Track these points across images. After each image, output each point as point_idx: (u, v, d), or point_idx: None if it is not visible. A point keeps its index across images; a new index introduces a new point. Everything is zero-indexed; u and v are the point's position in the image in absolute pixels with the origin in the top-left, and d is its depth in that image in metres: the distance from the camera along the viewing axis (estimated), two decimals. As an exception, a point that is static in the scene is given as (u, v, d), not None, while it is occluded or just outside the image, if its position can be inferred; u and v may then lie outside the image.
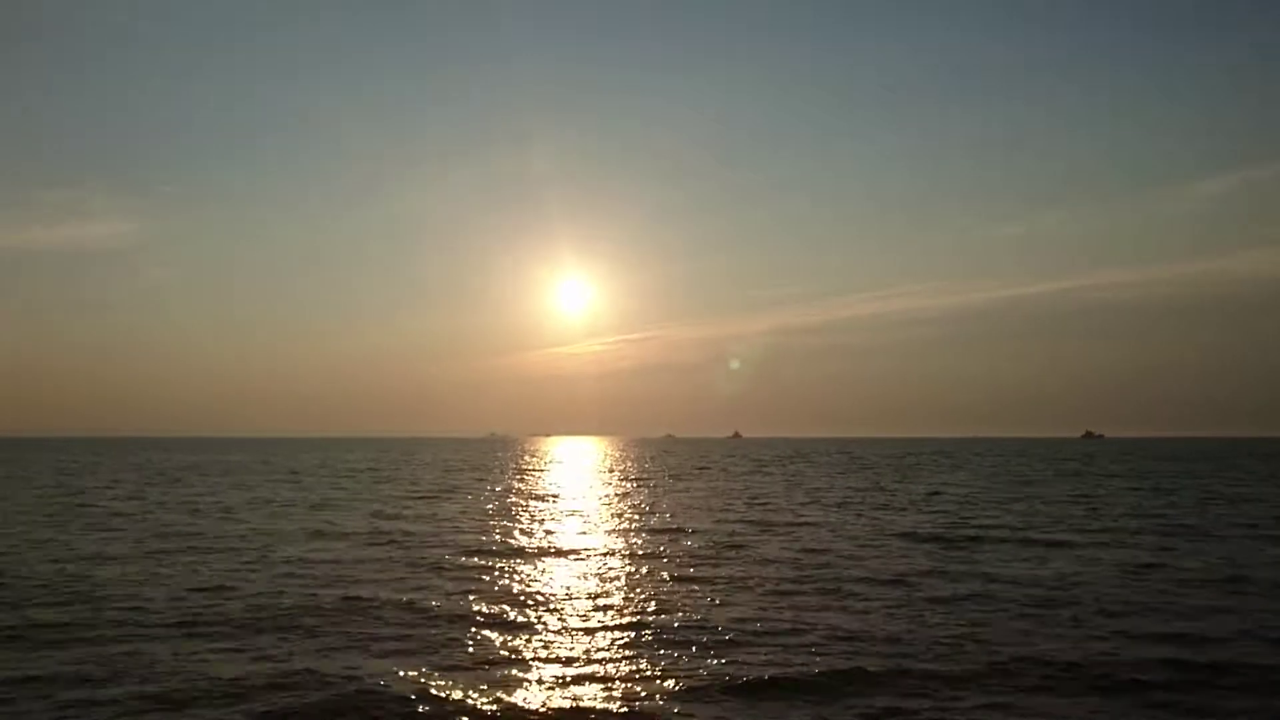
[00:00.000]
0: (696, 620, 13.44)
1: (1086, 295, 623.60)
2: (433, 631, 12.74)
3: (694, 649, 11.75)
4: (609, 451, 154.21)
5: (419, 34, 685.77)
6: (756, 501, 37.07)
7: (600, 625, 13.20)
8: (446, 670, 10.74)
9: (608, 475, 63.06)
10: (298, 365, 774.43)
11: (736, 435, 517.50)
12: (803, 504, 35.60)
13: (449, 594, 15.60)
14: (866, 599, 15.23)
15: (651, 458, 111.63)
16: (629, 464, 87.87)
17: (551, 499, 39.32)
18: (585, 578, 17.58)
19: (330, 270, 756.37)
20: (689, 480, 55.56)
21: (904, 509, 33.26)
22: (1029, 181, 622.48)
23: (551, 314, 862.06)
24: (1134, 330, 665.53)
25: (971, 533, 25.09)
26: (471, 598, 15.21)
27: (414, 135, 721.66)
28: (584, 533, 25.65)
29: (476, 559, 20.00)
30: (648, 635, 12.56)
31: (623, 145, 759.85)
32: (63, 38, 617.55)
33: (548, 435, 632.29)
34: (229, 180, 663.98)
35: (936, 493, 42.68)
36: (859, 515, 30.56)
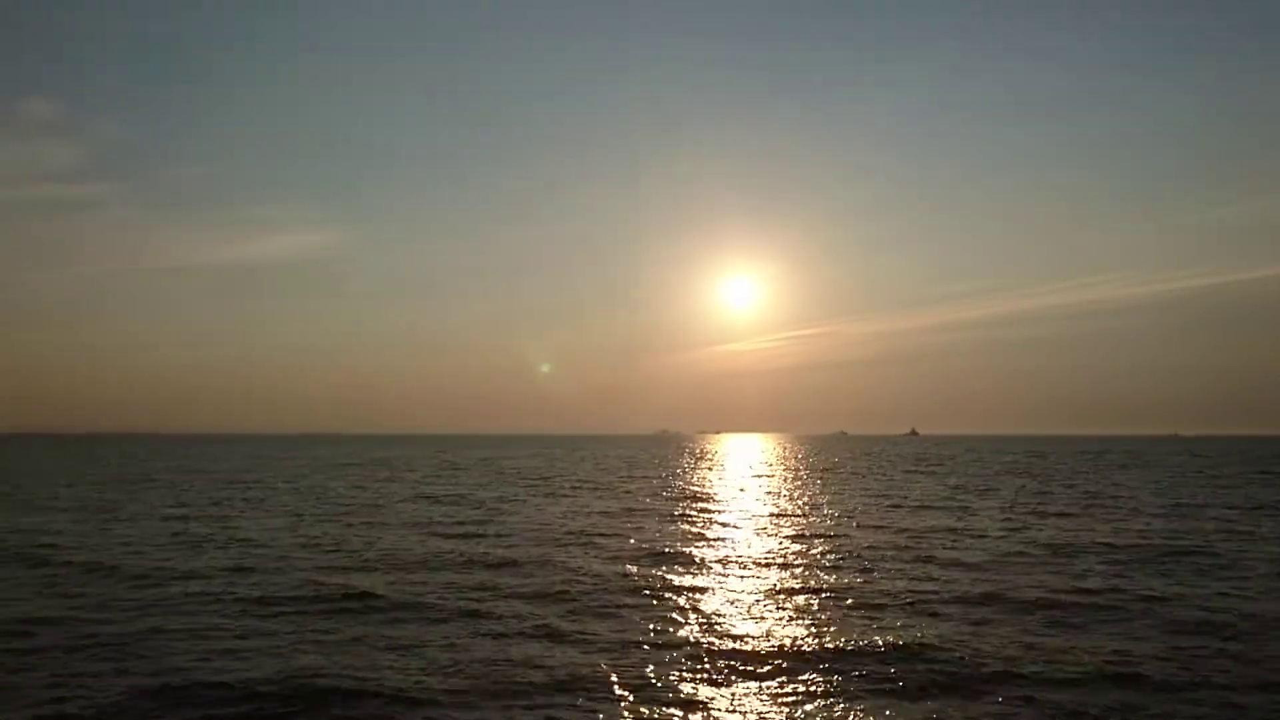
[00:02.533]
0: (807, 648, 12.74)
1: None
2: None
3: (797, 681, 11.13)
4: (773, 449, 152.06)
5: (600, 39, 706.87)
6: (907, 506, 35.16)
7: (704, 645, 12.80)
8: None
9: (759, 475, 61.95)
10: (483, 364, 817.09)
11: (913, 433, 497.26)
12: (960, 509, 33.35)
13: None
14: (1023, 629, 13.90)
15: (815, 455, 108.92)
16: (788, 462, 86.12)
17: (704, 499, 39.01)
18: (698, 590, 17.17)
19: (512, 275, 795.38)
20: (848, 480, 53.59)
21: (1077, 515, 30.41)
22: (1240, 162, 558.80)
23: (720, 311, 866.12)
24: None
25: (1160, 548, 22.59)
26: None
27: (592, 140, 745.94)
28: (718, 535, 25.10)
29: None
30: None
31: (794, 144, 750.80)
32: (260, 65, 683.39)
33: (717, 432, 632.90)
34: (420, 192, 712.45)
35: (1119, 498, 38.90)
36: (1023, 523, 28.21)
